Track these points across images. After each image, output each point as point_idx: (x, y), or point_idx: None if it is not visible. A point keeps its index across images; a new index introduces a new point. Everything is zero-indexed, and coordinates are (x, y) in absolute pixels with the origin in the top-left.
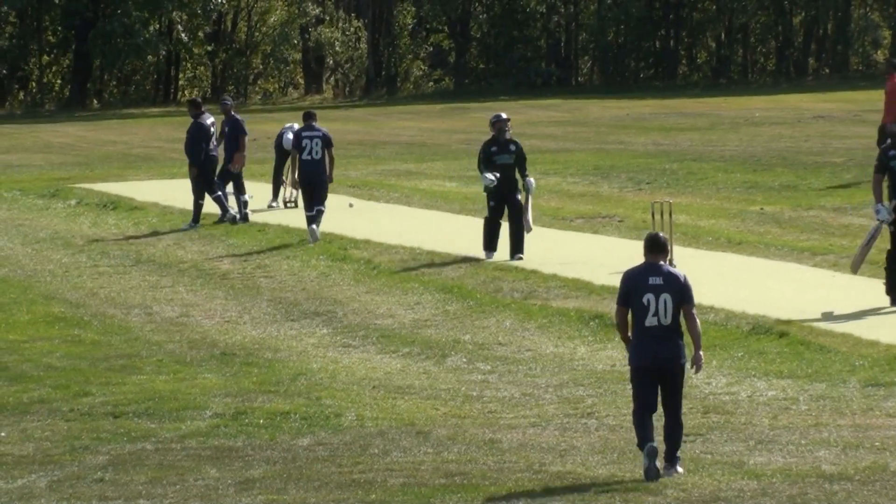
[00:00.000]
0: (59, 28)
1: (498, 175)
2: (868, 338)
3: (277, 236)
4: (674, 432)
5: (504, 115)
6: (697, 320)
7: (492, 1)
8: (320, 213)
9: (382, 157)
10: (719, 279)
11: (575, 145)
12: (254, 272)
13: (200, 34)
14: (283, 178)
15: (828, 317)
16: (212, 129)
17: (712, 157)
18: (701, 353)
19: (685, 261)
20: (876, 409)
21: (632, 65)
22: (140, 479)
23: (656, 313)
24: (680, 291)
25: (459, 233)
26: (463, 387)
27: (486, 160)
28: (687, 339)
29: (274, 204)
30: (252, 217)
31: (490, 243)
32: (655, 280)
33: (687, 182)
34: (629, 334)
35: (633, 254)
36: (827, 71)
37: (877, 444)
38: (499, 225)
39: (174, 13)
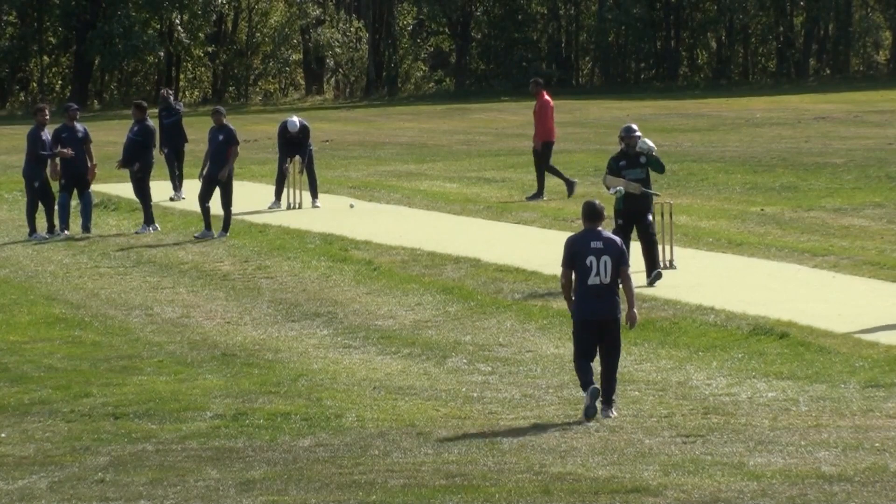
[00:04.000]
0: (60, 29)
1: (621, 189)
2: (868, 339)
3: (278, 237)
4: (610, 379)
5: (635, 128)
6: (632, 280)
7: (492, 2)
8: None
9: (383, 158)
10: (720, 280)
11: (575, 146)
12: (254, 273)
13: (201, 35)
14: (286, 168)
15: (828, 318)
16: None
17: (713, 158)
18: (635, 310)
19: (686, 261)
20: (876, 410)
21: (632, 66)
22: (141, 479)
23: (598, 273)
24: (618, 253)
25: (460, 234)
26: (463, 388)
27: (614, 176)
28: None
29: (276, 206)
30: (252, 218)
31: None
32: (596, 244)
33: (687, 183)
34: (572, 294)
35: (635, 254)
36: (828, 72)
37: (877, 445)
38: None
39: (174, 14)
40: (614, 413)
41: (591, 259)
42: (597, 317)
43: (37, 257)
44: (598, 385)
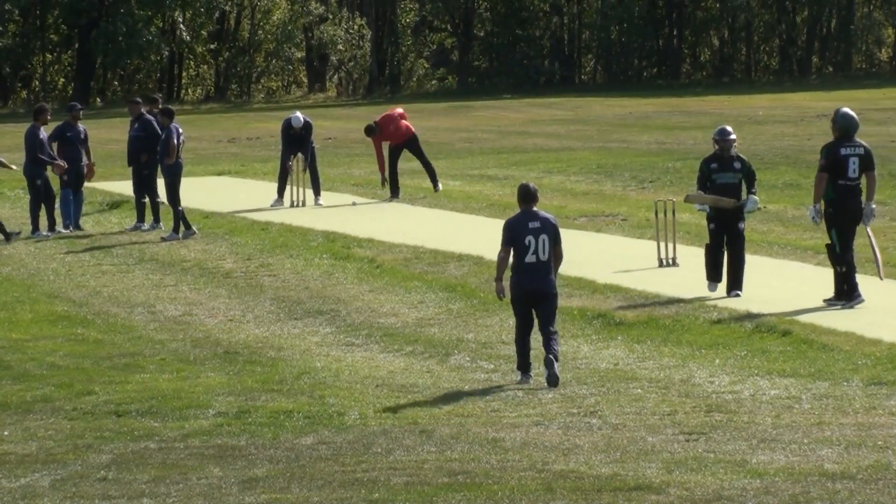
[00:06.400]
0: (63, 26)
1: (706, 207)
2: (871, 336)
3: (280, 235)
4: (551, 341)
5: (730, 131)
6: (562, 256)
7: None
8: None
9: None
10: (722, 277)
11: (578, 144)
12: (257, 271)
13: (203, 33)
14: (290, 165)
15: (831, 315)
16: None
17: None
18: (555, 281)
19: (688, 259)
20: (879, 407)
21: (635, 63)
22: (143, 477)
23: (536, 251)
24: (554, 232)
25: (463, 231)
26: (466, 385)
27: (705, 179)
28: None
29: (279, 203)
30: (255, 216)
31: (714, 273)
32: (534, 224)
33: (690, 180)
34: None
35: (637, 252)
36: (830, 69)
37: (879, 442)
38: (723, 253)
39: (177, 12)
40: (558, 364)
41: (529, 238)
42: (535, 290)
43: (39, 255)
44: (531, 376)
